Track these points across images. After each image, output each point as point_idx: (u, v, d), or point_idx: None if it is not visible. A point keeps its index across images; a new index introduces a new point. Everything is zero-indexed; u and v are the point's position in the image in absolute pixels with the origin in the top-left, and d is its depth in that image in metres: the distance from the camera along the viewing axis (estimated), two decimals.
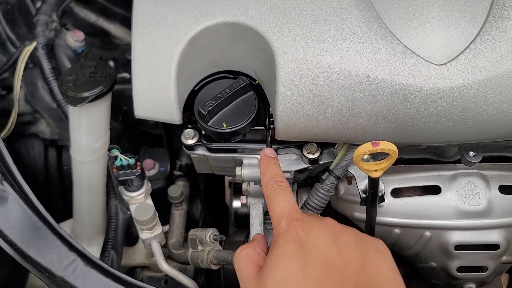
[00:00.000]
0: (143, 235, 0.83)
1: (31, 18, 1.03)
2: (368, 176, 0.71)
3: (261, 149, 0.81)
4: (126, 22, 1.20)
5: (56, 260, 0.68)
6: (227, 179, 1.32)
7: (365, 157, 0.72)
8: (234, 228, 1.32)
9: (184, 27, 0.72)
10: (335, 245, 0.59)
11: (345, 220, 0.97)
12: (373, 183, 0.72)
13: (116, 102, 0.93)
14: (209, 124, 0.73)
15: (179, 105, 0.74)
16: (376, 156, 0.80)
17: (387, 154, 0.66)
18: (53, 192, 1.15)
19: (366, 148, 0.64)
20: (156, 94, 0.73)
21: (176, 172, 1.09)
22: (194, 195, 1.22)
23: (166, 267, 0.85)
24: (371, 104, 0.69)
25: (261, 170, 0.72)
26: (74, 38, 1.07)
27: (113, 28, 1.19)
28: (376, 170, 0.69)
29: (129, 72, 1.08)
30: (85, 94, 0.79)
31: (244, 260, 0.63)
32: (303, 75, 0.68)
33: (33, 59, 1.01)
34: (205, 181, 1.30)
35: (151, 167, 1.07)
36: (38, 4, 1.05)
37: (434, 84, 0.67)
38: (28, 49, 0.99)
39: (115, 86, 0.93)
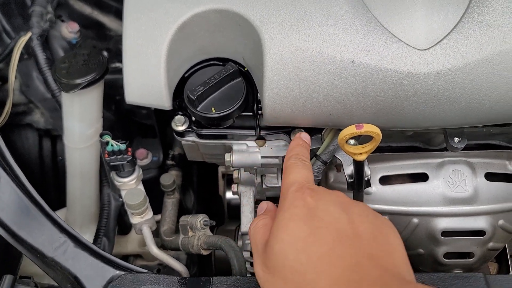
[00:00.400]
0: (134, 219, 0.85)
1: (27, 10, 1.04)
2: (353, 159, 0.72)
3: (250, 135, 0.83)
4: (121, 15, 1.21)
5: (47, 241, 0.69)
6: (220, 170, 1.33)
7: (352, 142, 0.73)
8: (228, 220, 1.33)
9: (173, 14, 0.73)
10: (347, 214, 0.57)
11: None
12: (359, 166, 0.74)
13: (108, 92, 0.95)
14: (198, 109, 0.75)
15: (169, 91, 0.75)
16: (362, 142, 0.82)
17: (372, 138, 0.68)
18: (47, 182, 1.16)
19: (350, 130, 0.66)
20: (147, 80, 0.74)
21: (169, 162, 1.11)
22: (187, 186, 1.24)
23: (156, 251, 0.86)
24: (356, 89, 0.70)
25: (290, 146, 0.70)
26: (69, 30, 1.08)
27: (108, 21, 1.20)
28: (360, 154, 0.70)
29: (122, 61, 1.09)
30: (78, 81, 0.81)
31: (261, 228, 0.61)
32: (289, 60, 0.70)
33: (28, 50, 1.03)
34: (198, 172, 1.32)
35: (144, 156, 1.08)
36: None
37: (417, 69, 0.68)
38: (23, 40, 1.01)
39: (108, 76, 0.95)
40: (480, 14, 0.68)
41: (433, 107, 0.70)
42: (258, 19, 0.71)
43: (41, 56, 0.98)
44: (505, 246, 1.06)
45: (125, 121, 1.12)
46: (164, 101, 0.76)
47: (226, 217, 1.33)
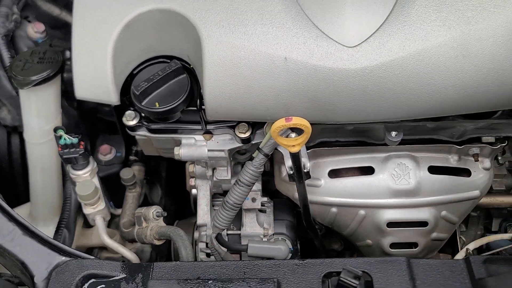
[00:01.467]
0: (87, 210, 0.89)
1: None
2: (289, 152, 0.76)
3: (198, 129, 0.86)
4: None
5: None
6: (188, 165, 1.37)
7: (293, 135, 0.77)
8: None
9: (119, 13, 0.77)
10: None
11: (289, 200, 1.02)
12: (295, 158, 0.77)
13: (71, 89, 0.98)
14: (142, 104, 0.79)
15: (116, 87, 0.79)
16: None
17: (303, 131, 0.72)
18: (16, 177, 1.19)
19: (280, 123, 0.70)
20: (94, 76, 0.78)
21: (132, 157, 1.14)
22: (154, 181, 1.27)
23: (107, 240, 0.90)
24: (290, 85, 0.74)
25: None
26: (35, 30, 1.12)
27: None
28: (294, 146, 0.74)
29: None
30: (33, 78, 0.85)
31: None
32: (226, 57, 0.74)
33: None
34: (167, 168, 1.35)
35: (108, 152, 1.12)
36: None
37: (346, 65, 0.72)
38: None
39: (71, 74, 0.98)
40: (404, 14, 0.72)
41: (363, 101, 0.74)
42: (197, 18, 0.75)
43: (5, 55, 1.02)
44: (456, 234, 1.10)
45: (90, 118, 1.16)
46: (111, 97, 0.80)
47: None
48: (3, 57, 1.03)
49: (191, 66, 0.83)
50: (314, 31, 0.72)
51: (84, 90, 0.79)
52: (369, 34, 0.72)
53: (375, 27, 0.72)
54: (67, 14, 1.24)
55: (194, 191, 1.30)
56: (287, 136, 0.76)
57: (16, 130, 1.17)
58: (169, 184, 1.36)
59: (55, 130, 0.85)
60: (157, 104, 0.78)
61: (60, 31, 1.22)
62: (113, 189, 1.10)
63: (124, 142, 1.14)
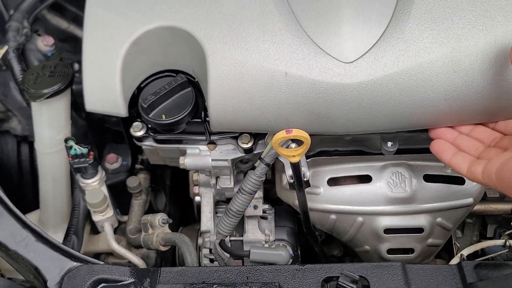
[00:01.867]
0: (96, 217, 0.92)
1: (4, 25, 1.12)
2: (289, 162, 0.80)
3: (202, 140, 0.90)
4: None
5: (10, 236, 0.77)
6: (191, 173, 1.40)
7: (293, 145, 0.80)
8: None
9: (127, 30, 0.81)
10: None
11: (290, 207, 1.06)
12: (295, 168, 0.81)
13: (80, 101, 1.03)
14: (150, 116, 0.82)
15: (124, 100, 0.83)
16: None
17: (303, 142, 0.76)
18: (25, 185, 1.23)
19: (281, 135, 0.74)
20: (104, 90, 0.82)
21: (138, 166, 1.18)
22: (159, 189, 1.31)
23: (115, 246, 0.94)
24: (290, 98, 0.78)
25: None
26: (44, 43, 1.16)
27: None
28: (294, 156, 0.78)
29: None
30: (45, 91, 0.89)
31: None
32: (230, 72, 0.78)
33: (5, 61, 1.11)
34: (172, 176, 1.39)
35: (114, 161, 1.16)
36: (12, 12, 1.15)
37: (343, 80, 0.76)
38: (0, 53, 1.09)
39: (79, 85, 1.02)
40: (398, 31, 0.75)
41: (360, 114, 0.78)
42: (202, 35, 0.79)
43: (16, 67, 1.06)
44: (451, 241, 1.13)
45: (98, 128, 1.20)
46: (120, 109, 0.83)
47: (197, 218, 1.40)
48: (14, 70, 1.07)
49: (196, 80, 0.86)
50: (313, 47, 0.76)
51: (94, 103, 0.83)
52: (365, 50, 0.76)
53: (371, 44, 0.76)
54: (75, 28, 1.29)
55: (197, 198, 1.35)
56: (287, 147, 0.80)
57: (26, 139, 1.21)
58: (173, 191, 1.39)
59: (66, 140, 0.88)
60: (163, 116, 0.82)
61: (69, 43, 1.26)
62: (119, 197, 1.14)
63: (130, 151, 1.18)
